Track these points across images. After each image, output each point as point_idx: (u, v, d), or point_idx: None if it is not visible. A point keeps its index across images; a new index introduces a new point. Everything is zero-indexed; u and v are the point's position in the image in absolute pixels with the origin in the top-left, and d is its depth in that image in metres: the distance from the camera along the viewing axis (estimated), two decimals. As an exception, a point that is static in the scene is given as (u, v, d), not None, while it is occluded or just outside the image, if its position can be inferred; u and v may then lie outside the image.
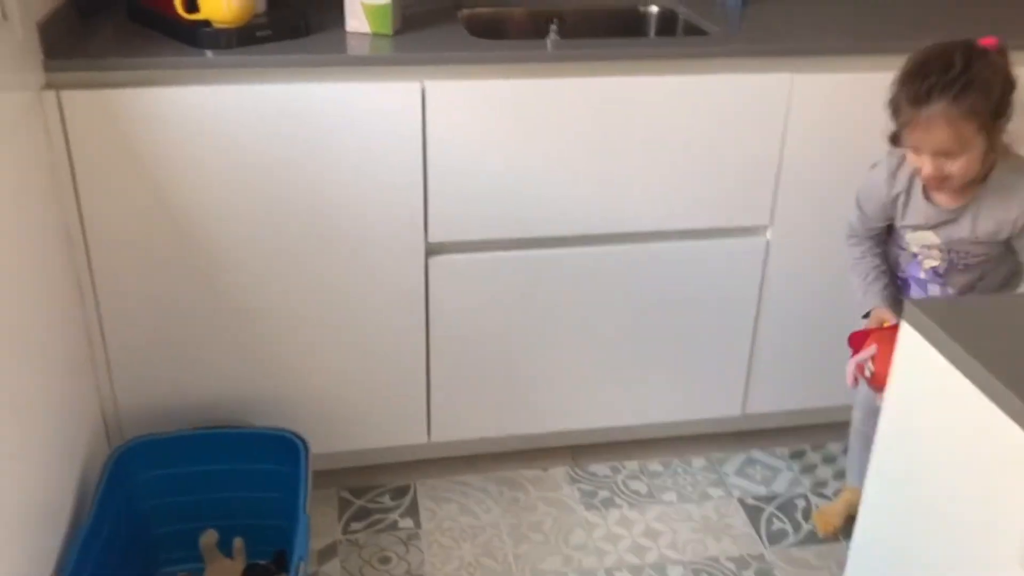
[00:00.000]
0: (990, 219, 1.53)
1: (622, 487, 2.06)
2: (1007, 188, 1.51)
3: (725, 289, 1.98)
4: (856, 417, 1.89)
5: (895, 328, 1.60)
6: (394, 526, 1.95)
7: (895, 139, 1.53)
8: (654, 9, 2.16)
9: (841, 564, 1.72)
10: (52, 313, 1.61)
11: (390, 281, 1.84)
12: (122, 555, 1.68)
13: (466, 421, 2.02)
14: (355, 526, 1.95)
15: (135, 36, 1.74)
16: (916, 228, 1.60)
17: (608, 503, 2.02)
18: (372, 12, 1.75)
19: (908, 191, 1.60)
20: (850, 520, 1.94)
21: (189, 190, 1.69)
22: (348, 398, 1.93)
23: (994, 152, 1.48)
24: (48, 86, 1.59)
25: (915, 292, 1.68)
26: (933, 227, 1.58)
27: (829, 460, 2.16)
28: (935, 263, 1.61)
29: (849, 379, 1.62)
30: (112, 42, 1.74)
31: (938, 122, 1.41)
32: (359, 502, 2.01)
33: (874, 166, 1.65)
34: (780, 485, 2.09)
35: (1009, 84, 1.44)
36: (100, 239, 1.70)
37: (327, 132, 1.69)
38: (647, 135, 1.80)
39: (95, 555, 1.56)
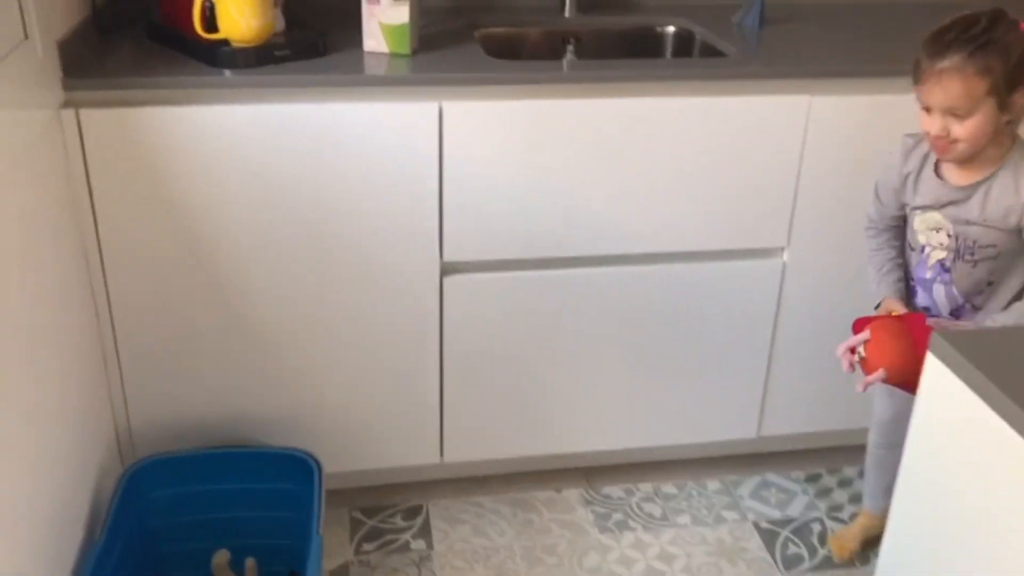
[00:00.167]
0: (1001, 201, 1.51)
1: (636, 509, 2.05)
2: (1021, 172, 1.50)
3: (741, 310, 1.97)
4: (872, 440, 1.88)
5: (897, 317, 1.60)
6: (406, 547, 1.94)
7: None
8: (671, 29, 2.16)
9: (858, 591, 1.71)
10: (67, 330, 1.61)
11: (405, 300, 1.84)
12: (134, 573, 1.67)
13: (479, 441, 2.01)
14: (367, 547, 1.94)
15: (154, 55, 1.75)
16: (925, 209, 1.59)
17: (622, 525, 2.00)
18: (390, 32, 1.76)
19: (919, 171, 1.60)
20: (866, 545, 1.93)
21: (205, 209, 1.69)
22: (361, 417, 1.93)
23: (1011, 134, 1.48)
24: (67, 104, 1.60)
25: (921, 298, 1.66)
26: (942, 207, 1.57)
27: (845, 483, 2.14)
28: (942, 255, 1.59)
29: (845, 364, 1.62)
30: (131, 61, 1.75)
31: (951, 76, 1.42)
32: (371, 522, 2.00)
33: (891, 153, 1.65)
34: (795, 509, 2.07)
35: None
36: (116, 256, 1.70)
37: (344, 151, 1.69)
38: (664, 156, 1.80)
39: (108, 573, 1.56)
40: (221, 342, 1.81)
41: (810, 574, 1.90)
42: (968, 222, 1.54)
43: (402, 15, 1.74)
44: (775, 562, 1.93)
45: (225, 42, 1.67)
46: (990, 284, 1.59)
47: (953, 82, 1.43)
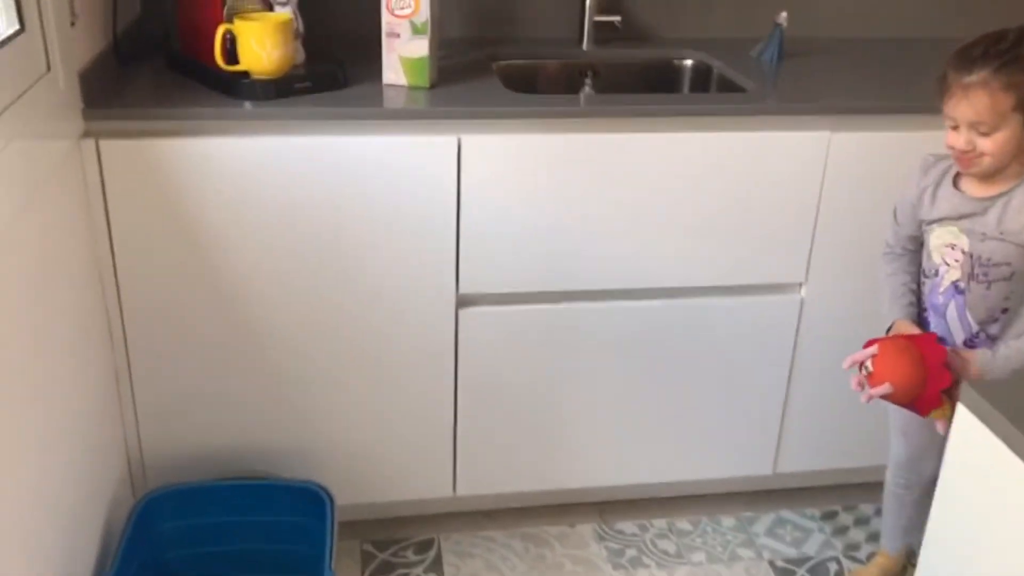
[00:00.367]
0: (1020, 215, 1.50)
1: (650, 546, 2.02)
2: None
3: (758, 346, 1.96)
4: (889, 480, 1.85)
5: (906, 337, 1.58)
6: (418, 581, 1.92)
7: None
8: (688, 62, 2.16)
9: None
10: (81, 359, 1.61)
11: (420, 332, 1.83)
12: (144, 607, 1.66)
13: (492, 475, 1.99)
14: (378, 580, 1.92)
15: (174, 85, 1.75)
16: (942, 222, 1.58)
17: (636, 562, 1.98)
18: (410, 65, 1.76)
19: (938, 184, 1.59)
20: (884, 586, 1.90)
21: (223, 240, 1.69)
22: (374, 449, 1.91)
23: None
24: (87, 135, 1.60)
25: (935, 326, 1.64)
26: (959, 219, 1.55)
27: (862, 522, 2.12)
28: (956, 275, 1.57)
29: (853, 381, 1.59)
30: (151, 91, 1.76)
31: (978, 90, 1.42)
32: (382, 555, 1.98)
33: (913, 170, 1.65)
34: (811, 547, 2.04)
35: None
36: (132, 286, 1.70)
37: (363, 184, 1.69)
38: (682, 190, 1.79)
39: (118, 607, 1.55)
40: (235, 373, 1.80)
41: (827, 615, 1.88)
42: (985, 236, 1.53)
43: (422, 49, 1.74)
44: (791, 602, 1.90)
45: (245, 74, 1.67)
46: (1004, 311, 1.57)
47: (980, 97, 1.43)
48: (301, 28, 1.77)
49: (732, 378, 1.98)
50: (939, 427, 1.56)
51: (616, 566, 1.97)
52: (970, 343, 1.60)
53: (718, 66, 2.08)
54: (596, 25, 2.14)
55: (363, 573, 1.93)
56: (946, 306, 1.61)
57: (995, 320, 1.58)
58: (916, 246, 1.68)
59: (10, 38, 1.33)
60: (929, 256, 1.62)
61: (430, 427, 1.92)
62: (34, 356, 1.38)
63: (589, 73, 2.11)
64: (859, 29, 2.27)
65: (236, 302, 1.74)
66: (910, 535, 1.85)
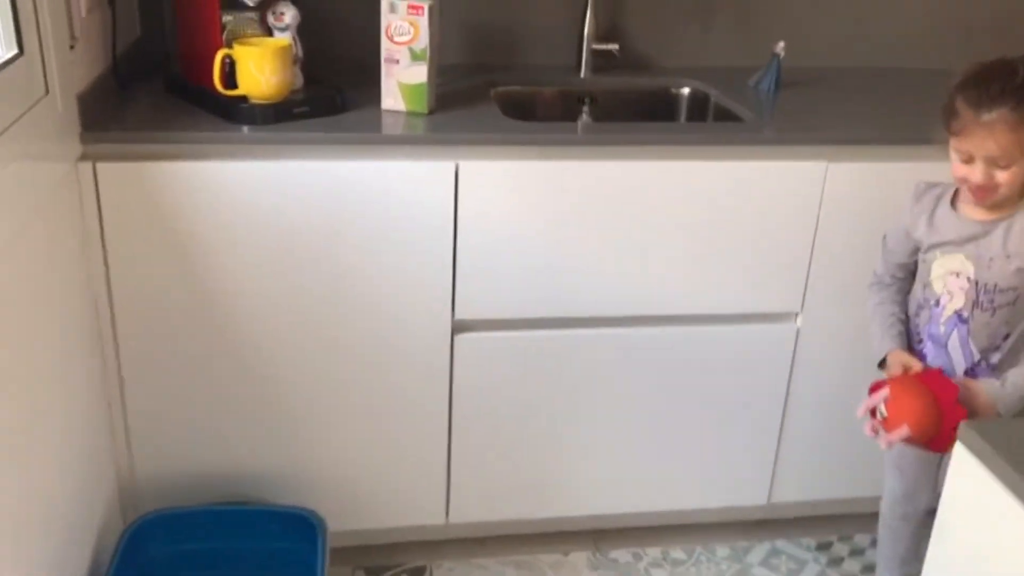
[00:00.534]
0: (1023, 236, 1.51)
1: (644, 575, 2.01)
2: None
3: (754, 375, 1.95)
4: (884, 512, 1.84)
5: (915, 376, 1.56)
6: (410, 609, 1.91)
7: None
8: (686, 91, 2.17)
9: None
10: (75, 382, 1.60)
11: (415, 357, 1.82)
12: (133, 634, 1.64)
13: (485, 502, 1.98)
14: (370, 608, 1.91)
15: (172, 109, 1.75)
16: (945, 247, 1.57)
17: (629, 592, 1.97)
18: (408, 91, 1.76)
19: (933, 210, 1.59)
20: (880, 620, 1.89)
21: (218, 264, 1.69)
22: (366, 475, 1.90)
23: None
24: (84, 157, 1.60)
25: (933, 358, 1.63)
26: (963, 243, 1.55)
27: (857, 552, 2.10)
28: (959, 304, 1.57)
29: (866, 427, 1.58)
30: (149, 114, 1.76)
31: (998, 127, 1.43)
32: (374, 582, 1.97)
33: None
34: (806, 578, 2.04)
35: None
36: (127, 309, 1.69)
37: (361, 209, 1.69)
38: (678, 219, 1.79)
39: (106, 634, 1.53)
40: (229, 397, 1.79)
41: (821, 647, 1.87)
42: (992, 261, 1.53)
43: (420, 75, 1.75)
44: (786, 634, 1.89)
45: (244, 98, 1.68)
46: (1005, 338, 1.57)
47: (1002, 134, 1.43)
48: (300, 53, 1.77)
49: (727, 407, 1.97)
50: None
51: (610, 595, 1.96)
52: (971, 373, 1.60)
53: (715, 95, 2.09)
54: (594, 53, 2.15)
55: (354, 600, 1.92)
56: (948, 336, 1.60)
57: (996, 348, 1.58)
58: (905, 274, 1.68)
59: (9, 62, 1.33)
60: (928, 286, 1.61)
61: (424, 453, 1.91)
62: (27, 378, 1.38)
63: (587, 100, 2.12)
64: (856, 59, 2.29)
65: (231, 327, 1.73)
66: (906, 566, 1.84)
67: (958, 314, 1.58)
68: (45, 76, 1.44)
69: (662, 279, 1.84)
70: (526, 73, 2.15)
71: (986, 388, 1.54)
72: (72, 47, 1.55)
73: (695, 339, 1.91)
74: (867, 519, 1.98)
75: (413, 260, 1.74)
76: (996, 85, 1.43)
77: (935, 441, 1.51)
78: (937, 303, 1.60)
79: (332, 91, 1.77)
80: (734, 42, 2.23)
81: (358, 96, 1.81)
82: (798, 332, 1.93)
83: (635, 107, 2.17)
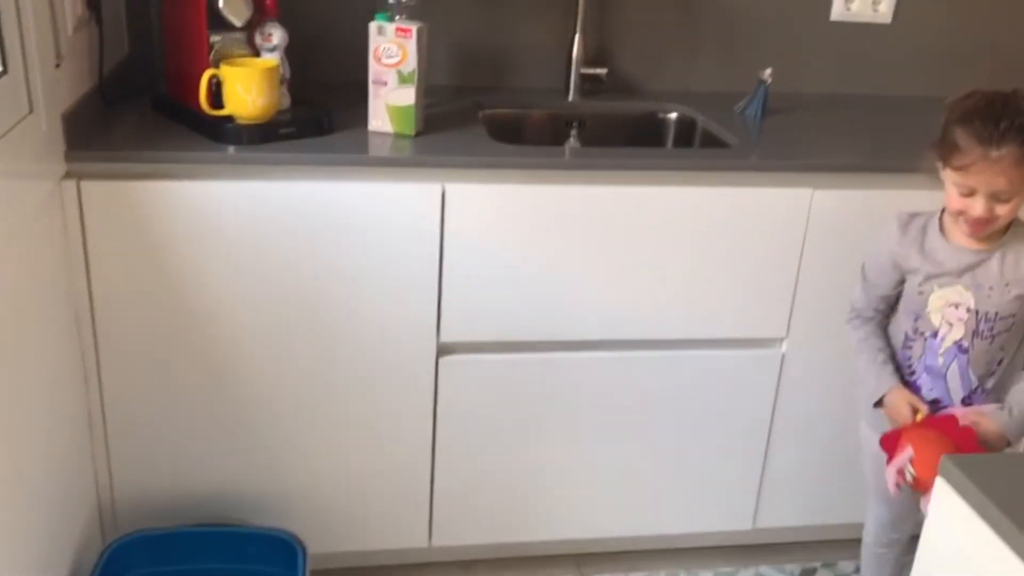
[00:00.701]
0: (1020, 259, 1.52)
1: (627, 600, 2.00)
2: None
3: (739, 400, 1.95)
4: (869, 539, 1.83)
5: (928, 423, 1.55)
6: (390, 634, 1.89)
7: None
8: (673, 116, 2.17)
9: None
10: (56, 401, 1.59)
11: (399, 379, 1.81)
12: (109, 658, 1.62)
13: (469, 526, 1.97)
14: (350, 632, 1.89)
15: (158, 128, 1.75)
16: (942, 279, 1.56)
17: (613, 617, 1.96)
18: (396, 113, 1.77)
19: (921, 241, 1.58)
20: (863, 648, 1.88)
21: (202, 283, 1.68)
22: (348, 498, 1.89)
23: None
24: (68, 176, 1.59)
25: (929, 390, 1.61)
26: (961, 273, 1.54)
27: (841, 579, 2.10)
28: (959, 334, 1.56)
29: (892, 487, 1.55)
30: (134, 133, 1.75)
31: (1007, 163, 1.43)
32: (355, 606, 1.95)
33: (883, 230, 1.63)
34: (790, 604, 2.03)
35: None
36: (109, 328, 1.68)
37: (346, 230, 1.68)
38: (664, 243, 1.80)
39: (81, 658, 1.51)
40: (211, 418, 1.78)
41: (805, 675, 1.86)
42: (991, 289, 1.53)
43: (408, 97, 1.75)
44: (769, 661, 1.88)
45: (230, 118, 1.67)
46: (999, 363, 1.58)
47: (1011, 169, 1.43)
48: (287, 74, 1.77)
49: (712, 431, 1.97)
50: None
51: (592, 621, 1.94)
52: (967, 399, 1.60)
53: (702, 120, 2.10)
54: (582, 77, 2.16)
55: (335, 624, 1.90)
56: (947, 367, 1.59)
57: (992, 373, 1.59)
58: (886, 307, 1.67)
59: (-8, 80, 1.33)
60: (922, 318, 1.59)
61: (407, 476, 1.89)
62: (7, 397, 1.37)
63: (575, 124, 2.13)
64: (842, 86, 2.30)
65: (213, 347, 1.72)
66: (889, 593, 1.84)
67: (958, 344, 1.57)
68: (29, 94, 1.43)
69: (647, 303, 1.84)
70: (514, 96, 2.15)
71: (994, 420, 1.54)
72: (58, 65, 1.55)
73: (680, 363, 1.91)
74: (851, 545, 1.97)
75: (398, 282, 1.74)
76: (1005, 122, 1.42)
77: None
78: (935, 335, 1.59)
79: (319, 112, 1.77)
80: (721, 68, 2.25)
81: (345, 117, 1.80)
82: (783, 357, 1.93)
83: (622, 131, 2.18)
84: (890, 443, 1.55)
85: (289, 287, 1.71)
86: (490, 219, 1.73)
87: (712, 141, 2.03)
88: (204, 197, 1.63)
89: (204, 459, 1.81)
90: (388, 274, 1.73)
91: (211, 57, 1.69)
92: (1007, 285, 1.53)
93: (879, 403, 1.63)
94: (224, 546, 1.76)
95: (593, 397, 1.90)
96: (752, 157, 1.87)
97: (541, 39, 2.17)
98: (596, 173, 1.76)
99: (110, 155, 1.62)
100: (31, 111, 1.44)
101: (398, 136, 1.78)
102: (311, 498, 1.87)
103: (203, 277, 1.67)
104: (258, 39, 1.74)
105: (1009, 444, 1.54)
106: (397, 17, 1.77)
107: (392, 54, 1.73)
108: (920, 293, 1.59)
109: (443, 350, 1.82)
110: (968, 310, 1.55)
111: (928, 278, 1.57)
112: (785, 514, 2.08)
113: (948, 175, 1.50)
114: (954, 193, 1.50)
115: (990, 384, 1.59)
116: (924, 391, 1.62)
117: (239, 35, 1.72)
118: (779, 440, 2.00)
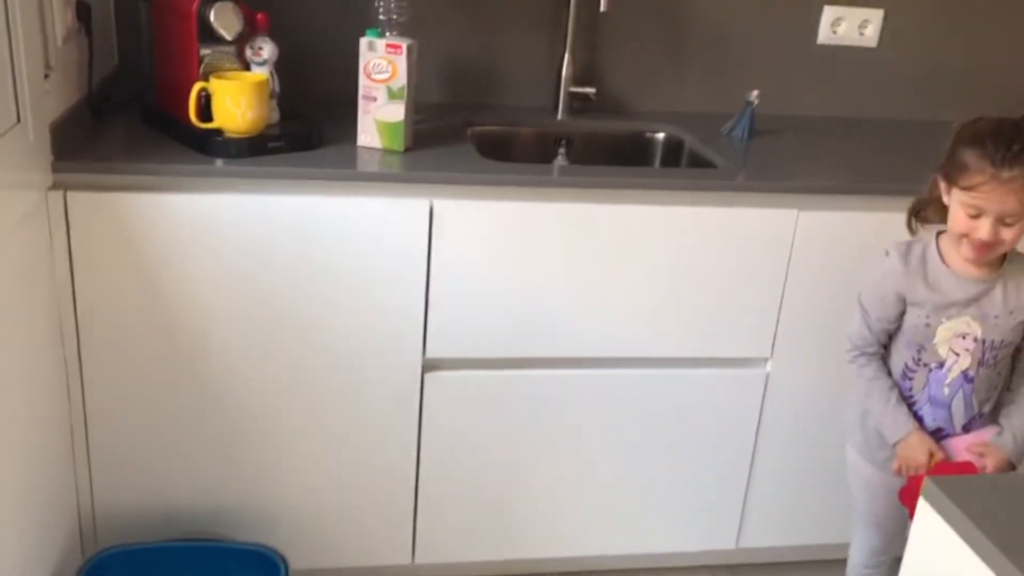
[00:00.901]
0: (1021, 286, 1.53)
1: (610, 619, 2.00)
2: None
3: (723, 419, 1.96)
4: (856, 563, 1.83)
5: (945, 469, 1.53)
6: (372, 651, 1.87)
7: (917, 212, 1.56)
8: (661, 136, 2.19)
9: None
10: (37, 412, 1.57)
11: (384, 395, 1.81)
12: (86, 674, 1.60)
13: (452, 544, 1.96)
14: (331, 649, 1.87)
15: (146, 140, 1.75)
16: (949, 311, 1.55)
17: (595, 636, 1.95)
18: (385, 129, 1.77)
19: (923, 271, 1.57)
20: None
21: (188, 297, 1.67)
22: (331, 513, 1.88)
23: None
24: (55, 186, 1.58)
25: (932, 419, 1.61)
26: (968, 304, 1.54)
27: (823, 600, 2.10)
28: (966, 364, 1.56)
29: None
30: (122, 145, 1.75)
31: (1017, 185, 1.44)
32: (337, 623, 1.93)
33: (884, 262, 1.62)
34: (773, 625, 2.03)
35: None
36: (93, 340, 1.67)
37: (333, 245, 1.68)
38: (650, 262, 1.80)
39: (58, 675, 1.49)
40: (195, 432, 1.77)
41: None
42: (996, 317, 1.54)
43: (398, 113, 1.75)
44: None
45: (219, 132, 1.67)
46: (997, 387, 1.60)
47: (1021, 192, 1.44)
48: (277, 88, 1.77)
49: (696, 450, 1.97)
50: None
51: (575, 640, 1.94)
52: (967, 426, 1.61)
53: (690, 141, 2.11)
54: (571, 96, 2.17)
55: (316, 641, 1.88)
56: (952, 396, 1.59)
57: (990, 398, 1.60)
58: (887, 339, 1.65)
59: (-20, 90, 1.32)
60: (927, 349, 1.59)
61: (390, 492, 1.89)
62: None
63: (563, 142, 2.14)
64: (829, 109, 2.33)
65: (198, 360, 1.72)
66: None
67: (964, 374, 1.57)
68: (17, 104, 1.43)
69: (633, 321, 1.84)
70: (503, 113, 2.16)
71: (1000, 450, 1.56)
72: (47, 76, 1.54)
73: (665, 382, 1.91)
74: (835, 565, 1.97)
75: (385, 297, 1.74)
76: (1017, 144, 1.43)
77: None
78: (940, 365, 1.58)
79: (308, 127, 1.77)
80: (709, 89, 2.26)
81: (334, 132, 1.81)
82: (768, 377, 1.94)
83: (610, 150, 2.19)
84: (910, 496, 1.53)
85: (275, 301, 1.70)
86: (477, 235, 1.73)
87: (699, 161, 2.04)
88: (191, 210, 1.62)
89: (186, 473, 1.80)
90: (374, 289, 1.73)
91: (201, 70, 1.69)
92: (1011, 313, 1.54)
93: (897, 444, 1.62)
94: (205, 561, 1.74)
95: (578, 415, 1.90)
96: (738, 178, 1.89)
97: (530, 57, 2.18)
98: (583, 191, 1.76)
99: (97, 166, 1.62)
100: (19, 121, 1.43)
101: (387, 152, 1.78)
102: (294, 514, 1.86)
103: (189, 290, 1.67)
104: (248, 53, 1.74)
105: (1014, 467, 1.56)
106: (388, 33, 1.78)
107: (382, 70, 1.74)
108: (927, 326, 1.57)
109: (429, 366, 1.81)
110: (975, 340, 1.55)
111: (936, 310, 1.56)
112: (769, 533, 2.08)
113: (956, 196, 1.50)
114: (960, 215, 1.50)
115: (987, 408, 1.61)
116: (927, 421, 1.62)
117: (229, 49, 1.72)
118: (763, 459, 2.00)
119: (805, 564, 2.15)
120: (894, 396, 1.62)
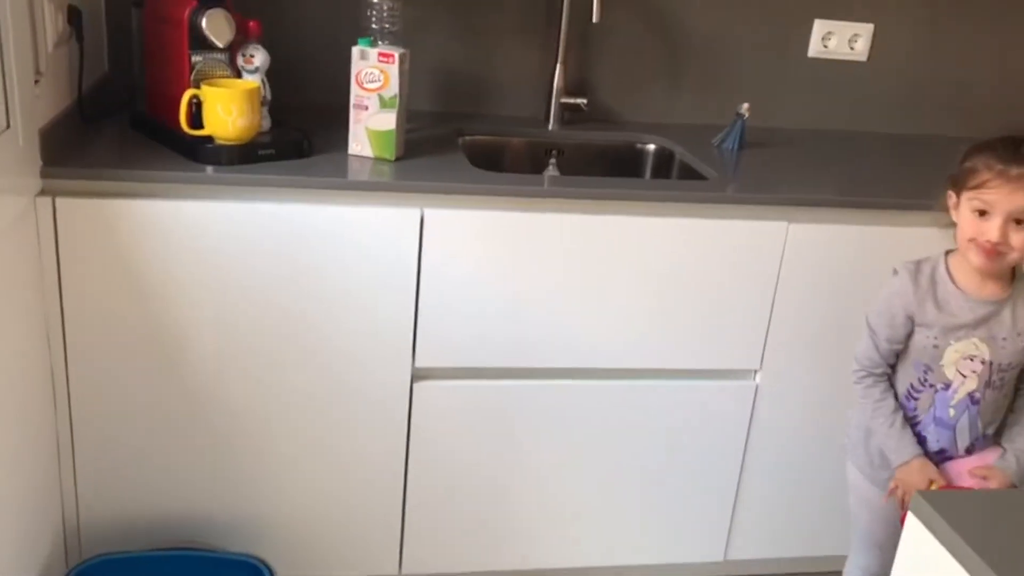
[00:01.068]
0: None
1: (598, 631, 1.99)
2: None
3: (712, 430, 1.96)
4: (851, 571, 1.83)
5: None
6: (358, 662, 1.86)
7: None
8: (651, 147, 2.19)
9: None
10: (22, 419, 1.56)
11: (373, 404, 1.80)
12: None
13: (440, 554, 1.95)
14: (317, 660, 1.86)
15: (136, 146, 1.74)
16: (958, 333, 1.55)
17: (583, 648, 1.94)
18: (376, 138, 1.77)
19: (933, 291, 1.56)
20: None
21: (177, 305, 1.66)
22: (319, 522, 1.87)
23: None
24: (44, 192, 1.57)
25: (936, 441, 1.60)
26: (977, 326, 1.54)
27: (811, 613, 2.10)
28: (972, 386, 1.56)
29: None
30: (112, 151, 1.74)
31: None
32: (323, 633, 1.92)
33: (893, 282, 1.61)
34: (760, 637, 2.02)
35: None
36: (80, 348, 1.66)
37: (322, 253, 1.68)
38: (640, 273, 1.81)
39: None
40: (181, 440, 1.76)
41: None
42: (1004, 340, 1.54)
43: (389, 122, 1.75)
44: None
45: (209, 139, 1.67)
46: (1001, 409, 1.60)
47: None
48: (268, 96, 1.77)
49: (685, 461, 1.97)
50: None
51: (562, 652, 1.93)
52: (971, 449, 1.61)
53: (680, 152, 2.12)
54: (563, 106, 2.17)
55: (302, 652, 1.87)
56: (958, 418, 1.59)
57: (995, 420, 1.60)
58: (895, 359, 1.64)
59: (-31, 95, 1.32)
60: (933, 370, 1.58)
61: (378, 502, 1.88)
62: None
63: (554, 153, 2.14)
64: (819, 122, 2.34)
65: (185, 369, 1.71)
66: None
67: (970, 396, 1.57)
68: (7, 109, 1.42)
69: (623, 332, 1.84)
70: (494, 123, 2.16)
71: (1003, 473, 1.56)
72: (37, 81, 1.54)
73: (654, 393, 1.91)
74: (823, 579, 1.99)
75: (374, 306, 1.73)
76: None
77: None
78: (947, 387, 1.58)
79: (299, 135, 1.77)
80: (700, 101, 2.27)
81: (325, 141, 1.80)
82: (757, 389, 1.94)
83: (601, 161, 2.19)
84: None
85: (264, 309, 1.70)
86: (468, 245, 1.73)
87: (689, 173, 2.05)
88: (180, 217, 1.62)
89: (172, 482, 1.78)
90: (364, 298, 1.72)
91: (192, 77, 1.69)
92: (1019, 334, 1.54)
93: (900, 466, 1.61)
94: (190, 571, 1.73)
95: (567, 426, 1.90)
96: (728, 189, 1.89)
97: (522, 68, 2.19)
98: (574, 202, 1.76)
99: (87, 172, 1.61)
100: (8, 126, 1.43)
101: (378, 160, 1.78)
102: (281, 523, 1.85)
103: (177, 298, 1.66)
104: (240, 60, 1.74)
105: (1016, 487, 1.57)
106: (380, 42, 1.78)
107: (374, 79, 1.73)
108: (935, 347, 1.57)
109: (418, 375, 1.81)
110: (983, 362, 1.55)
111: (944, 332, 1.56)
112: (757, 546, 2.08)
113: (964, 200, 1.51)
114: (969, 218, 1.50)
115: (991, 430, 1.61)
116: (930, 442, 1.61)
117: (221, 56, 1.72)
118: (752, 472, 2.00)
119: (793, 576, 2.15)
120: (899, 418, 1.61)
